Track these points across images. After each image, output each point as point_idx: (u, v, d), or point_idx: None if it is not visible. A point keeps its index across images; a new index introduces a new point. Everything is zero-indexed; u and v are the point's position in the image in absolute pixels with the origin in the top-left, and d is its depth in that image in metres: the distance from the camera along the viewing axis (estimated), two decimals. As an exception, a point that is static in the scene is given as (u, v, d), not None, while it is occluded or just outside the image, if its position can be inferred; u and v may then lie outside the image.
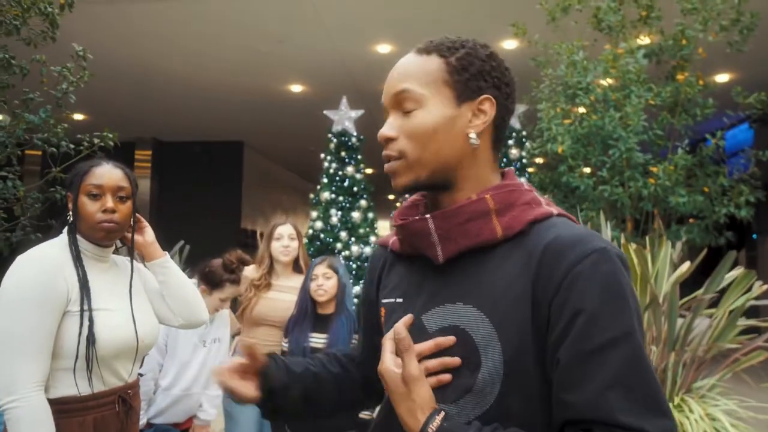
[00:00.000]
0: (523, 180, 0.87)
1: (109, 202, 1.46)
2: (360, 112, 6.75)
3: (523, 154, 6.38)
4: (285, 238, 2.80)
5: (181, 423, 2.45)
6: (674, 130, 4.61)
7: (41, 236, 2.94)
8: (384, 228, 8.74)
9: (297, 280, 2.79)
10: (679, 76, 4.57)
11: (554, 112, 4.60)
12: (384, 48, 6.82)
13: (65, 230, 1.51)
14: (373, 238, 6.54)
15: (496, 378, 0.75)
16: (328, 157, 6.65)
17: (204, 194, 11.17)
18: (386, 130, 0.84)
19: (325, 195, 6.55)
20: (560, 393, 0.71)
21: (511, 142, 6.51)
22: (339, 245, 6.43)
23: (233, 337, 2.90)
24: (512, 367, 0.74)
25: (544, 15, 4.67)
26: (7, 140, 2.63)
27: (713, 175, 4.63)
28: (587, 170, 4.60)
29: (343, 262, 4.49)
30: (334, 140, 6.67)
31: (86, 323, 1.36)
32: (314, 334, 2.54)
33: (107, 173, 1.49)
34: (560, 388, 0.71)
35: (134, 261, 1.60)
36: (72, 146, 2.89)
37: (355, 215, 6.54)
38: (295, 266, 2.88)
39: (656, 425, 0.67)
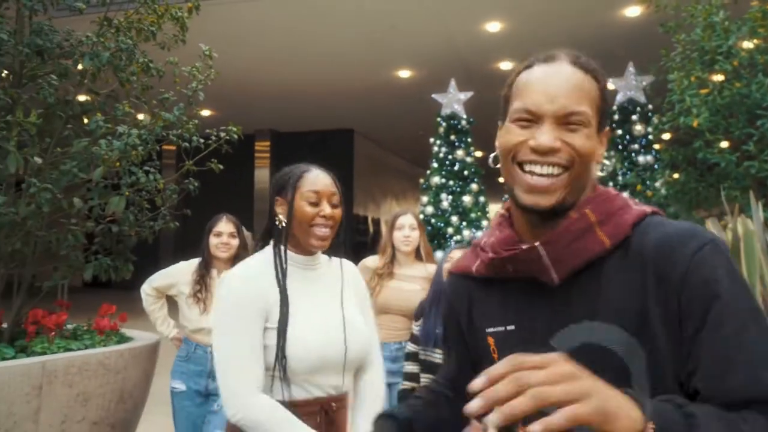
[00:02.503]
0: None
1: (327, 208, 1.41)
2: (469, 94, 6.60)
3: (649, 129, 5.89)
4: (406, 228, 2.84)
5: None
6: (840, 94, 3.99)
7: (178, 225, 3.22)
8: (496, 212, 8.53)
9: (420, 269, 2.83)
10: None
11: (688, 82, 4.19)
12: (493, 26, 6.59)
13: (270, 244, 1.46)
14: (485, 223, 6.41)
15: (645, 387, 0.73)
16: (438, 141, 6.60)
17: (318, 182, 11.66)
18: (551, 140, 0.79)
19: (435, 179, 6.51)
20: (711, 382, 0.70)
21: (635, 117, 6.04)
22: (450, 230, 6.38)
23: None
24: (656, 373, 0.73)
25: (674, -25, 4.25)
26: (148, 137, 2.89)
27: None
28: (726, 144, 4.13)
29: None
30: (443, 124, 6.60)
31: (281, 342, 1.33)
32: None
33: (321, 179, 1.46)
34: (710, 378, 0.70)
35: (342, 267, 1.52)
36: (202, 140, 3.11)
37: (466, 199, 6.44)
38: (417, 255, 2.90)
39: None
